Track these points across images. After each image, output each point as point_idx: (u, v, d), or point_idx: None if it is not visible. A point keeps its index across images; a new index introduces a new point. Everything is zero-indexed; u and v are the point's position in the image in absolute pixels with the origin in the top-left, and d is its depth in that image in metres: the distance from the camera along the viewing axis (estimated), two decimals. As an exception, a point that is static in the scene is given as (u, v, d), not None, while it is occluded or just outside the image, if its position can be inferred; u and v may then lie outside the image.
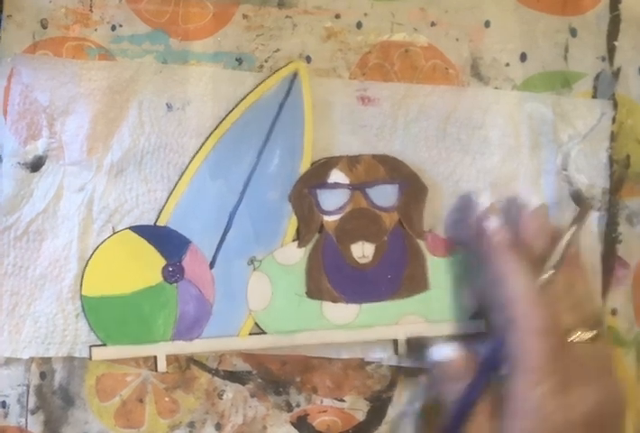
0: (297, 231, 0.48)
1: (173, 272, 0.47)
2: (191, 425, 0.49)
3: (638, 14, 0.52)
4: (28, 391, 0.48)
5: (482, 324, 0.49)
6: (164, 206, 0.48)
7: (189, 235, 0.48)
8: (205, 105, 0.49)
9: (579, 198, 0.51)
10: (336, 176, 0.48)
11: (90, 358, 0.47)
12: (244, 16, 0.50)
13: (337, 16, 0.50)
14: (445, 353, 0.46)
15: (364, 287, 0.48)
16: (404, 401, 0.49)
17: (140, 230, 0.48)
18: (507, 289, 0.43)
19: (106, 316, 0.47)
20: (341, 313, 0.48)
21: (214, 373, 0.49)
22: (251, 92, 0.49)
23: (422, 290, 0.48)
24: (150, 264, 0.47)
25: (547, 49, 0.51)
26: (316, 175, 0.48)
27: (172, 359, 0.48)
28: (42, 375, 0.48)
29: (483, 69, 0.51)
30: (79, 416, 0.48)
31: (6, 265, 0.48)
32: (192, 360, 0.49)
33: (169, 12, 0.50)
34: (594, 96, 0.51)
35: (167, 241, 0.48)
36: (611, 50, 0.52)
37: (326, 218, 0.48)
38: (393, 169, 0.49)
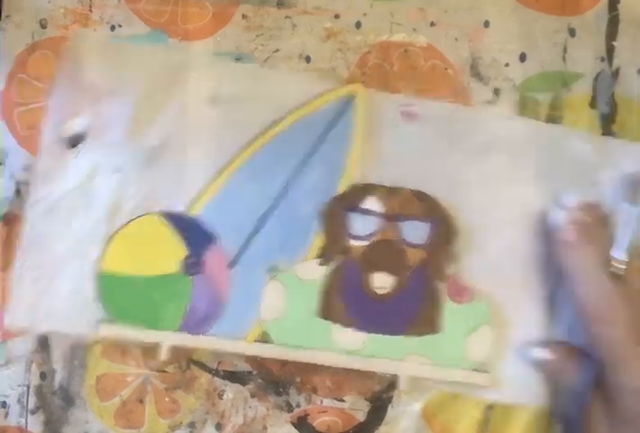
0: (322, 249, 0.48)
1: (192, 265, 0.47)
2: (191, 425, 0.49)
3: (637, 15, 0.52)
4: (28, 392, 0.48)
5: (487, 377, 0.48)
6: (197, 198, 0.48)
7: (216, 232, 0.48)
8: (251, 103, 0.49)
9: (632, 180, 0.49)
10: (371, 203, 0.48)
11: (97, 333, 0.47)
12: (244, 16, 0.50)
13: (336, 16, 0.50)
14: (542, 353, 0.46)
15: (377, 317, 0.48)
16: (404, 401, 0.50)
17: (168, 216, 0.48)
18: (580, 292, 0.43)
19: (118, 295, 0.47)
20: (349, 339, 0.48)
21: (215, 373, 0.49)
22: (306, 104, 0.48)
23: (433, 332, 0.48)
24: (171, 252, 0.47)
25: (546, 49, 0.51)
26: (352, 198, 0.48)
27: (173, 359, 0.48)
28: (42, 375, 0.48)
29: (483, 69, 0.51)
30: (79, 416, 0.48)
31: (33, 237, 0.48)
32: (192, 360, 0.49)
33: (168, 12, 0.50)
34: (593, 97, 0.51)
35: (192, 232, 0.48)
36: (610, 51, 0.52)
37: (353, 242, 0.48)
38: (429, 207, 0.48)
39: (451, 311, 0.48)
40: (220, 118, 0.49)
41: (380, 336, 0.48)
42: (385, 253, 0.48)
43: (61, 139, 0.48)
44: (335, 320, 0.48)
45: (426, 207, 0.48)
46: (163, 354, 0.47)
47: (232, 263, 0.48)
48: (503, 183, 0.50)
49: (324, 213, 0.48)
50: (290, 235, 0.48)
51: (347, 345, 0.48)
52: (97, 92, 0.48)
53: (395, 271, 0.48)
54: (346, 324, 0.48)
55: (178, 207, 0.48)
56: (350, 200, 0.48)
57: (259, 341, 0.48)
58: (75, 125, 0.48)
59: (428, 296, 0.48)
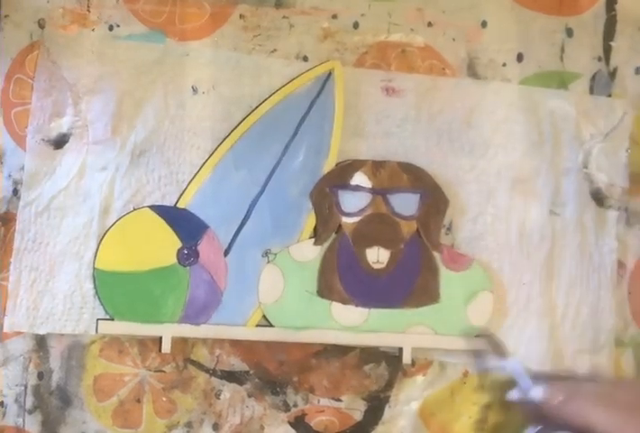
0: (315, 229, 0.48)
1: (188, 255, 0.48)
2: (189, 425, 0.49)
3: (634, 15, 0.52)
4: (26, 391, 0.48)
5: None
6: (185, 189, 0.48)
7: (208, 221, 0.48)
8: (231, 90, 0.49)
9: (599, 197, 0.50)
10: (360, 179, 0.49)
11: (96, 331, 0.47)
12: (241, 16, 0.50)
13: (334, 16, 0.50)
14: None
15: (375, 292, 0.48)
16: (401, 401, 0.49)
17: (159, 210, 0.48)
18: None
19: (117, 291, 0.47)
20: (349, 315, 0.48)
21: (212, 372, 0.49)
22: (283, 86, 0.49)
23: (432, 302, 0.48)
24: (165, 245, 0.48)
25: (543, 49, 0.51)
26: (340, 176, 0.48)
27: (170, 359, 0.48)
28: (40, 375, 0.48)
29: (480, 69, 0.51)
30: (77, 416, 0.48)
31: (26, 241, 0.48)
32: (190, 360, 0.49)
33: (166, 12, 0.50)
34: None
35: (185, 223, 0.48)
36: (607, 51, 0.52)
37: (345, 220, 0.48)
38: (417, 178, 0.49)
39: (448, 280, 0.49)
40: (203, 108, 0.49)
41: (380, 310, 0.48)
42: (377, 226, 0.48)
43: (47, 140, 0.48)
44: (334, 298, 0.48)
45: (414, 178, 0.49)
46: (166, 347, 0.47)
47: (227, 251, 0.48)
48: (491, 150, 0.50)
49: (313, 193, 0.48)
50: (282, 218, 0.48)
51: (348, 322, 0.48)
52: (77, 91, 0.49)
53: (389, 245, 0.48)
54: (345, 301, 0.48)
55: (168, 200, 0.48)
56: (338, 178, 0.49)
57: (259, 326, 0.48)
58: (59, 126, 0.48)
59: (424, 267, 0.49)
